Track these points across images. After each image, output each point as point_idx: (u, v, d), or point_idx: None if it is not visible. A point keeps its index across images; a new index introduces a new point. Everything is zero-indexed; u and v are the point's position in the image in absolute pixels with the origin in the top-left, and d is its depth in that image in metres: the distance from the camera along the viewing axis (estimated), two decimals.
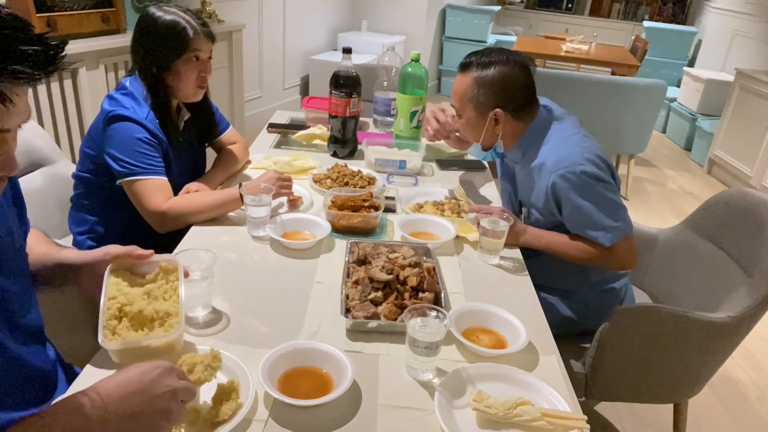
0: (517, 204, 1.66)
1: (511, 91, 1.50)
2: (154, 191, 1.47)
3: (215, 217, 1.50)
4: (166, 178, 1.51)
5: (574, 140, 1.48)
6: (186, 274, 1.03)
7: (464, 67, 1.54)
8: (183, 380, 0.80)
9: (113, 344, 0.90)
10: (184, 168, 1.72)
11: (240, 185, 1.47)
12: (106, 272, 0.98)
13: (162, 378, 0.77)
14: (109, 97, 1.53)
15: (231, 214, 1.53)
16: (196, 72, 1.56)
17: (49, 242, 1.08)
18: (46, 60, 0.69)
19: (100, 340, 0.89)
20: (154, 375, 0.76)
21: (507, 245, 1.43)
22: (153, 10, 1.53)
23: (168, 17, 1.51)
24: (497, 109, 1.51)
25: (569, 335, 1.56)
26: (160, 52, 1.51)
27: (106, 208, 1.63)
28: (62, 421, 0.71)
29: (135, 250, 1.01)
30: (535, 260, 1.50)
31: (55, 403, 0.74)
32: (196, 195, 1.52)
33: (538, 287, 1.60)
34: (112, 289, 0.96)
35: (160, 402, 0.75)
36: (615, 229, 1.42)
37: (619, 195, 1.48)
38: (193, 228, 1.45)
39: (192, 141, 1.77)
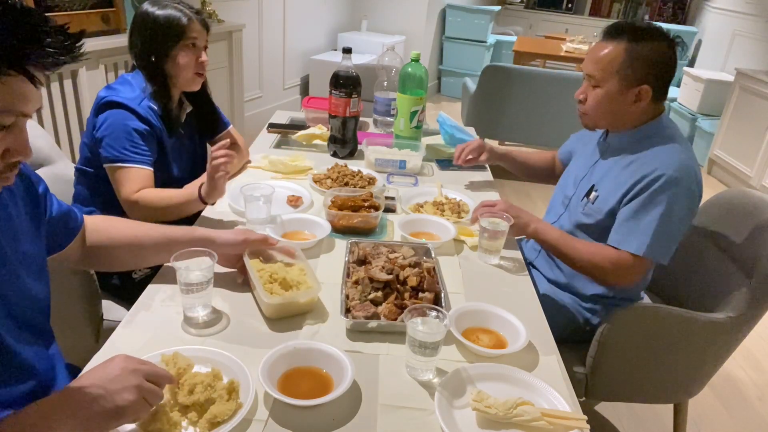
0: (588, 188, 1.55)
1: (662, 69, 1.39)
2: (132, 179, 1.49)
3: (180, 217, 1.50)
4: (150, 169, 1.53)
5: (691, 157, 1.41)
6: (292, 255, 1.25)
7: (614, 32, 1.41)
8: (150, 383, 0.79)
9: (275, 299, 1.08)
10: (184, 161, 1.73)
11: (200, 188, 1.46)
12: (245, 256, 1.19)
13: (124, 378, 0.77)
14: (107, 87, 1.56)
15: (231, 214, 1.53)
16: (194, 59, 1.60)
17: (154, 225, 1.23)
18: (67, 47, 0.75)
19: (263, 296, 1.07)
20: (113, 374, 0.77)
21: (510, 238, 1.44)
22: (146, 5, 1.57)
23: (162, 9, 1.55)
24: (645, 86, 1.39)
25: (571, 340, 1.56)
26: (158, 40, 1.55)
27: (106, 200, 1.63)
28: None
29: (268, 238, 1.22)
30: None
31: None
32: (167, 190, 1.52)
33: (557, 285, 1.60)
34: (255, 265, 1.18)
35: (118, 396, 0.75)
36: (644, 244, 1.34)
37: (683, 228, 1.41)
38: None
39: (193, 135, 1.77)
